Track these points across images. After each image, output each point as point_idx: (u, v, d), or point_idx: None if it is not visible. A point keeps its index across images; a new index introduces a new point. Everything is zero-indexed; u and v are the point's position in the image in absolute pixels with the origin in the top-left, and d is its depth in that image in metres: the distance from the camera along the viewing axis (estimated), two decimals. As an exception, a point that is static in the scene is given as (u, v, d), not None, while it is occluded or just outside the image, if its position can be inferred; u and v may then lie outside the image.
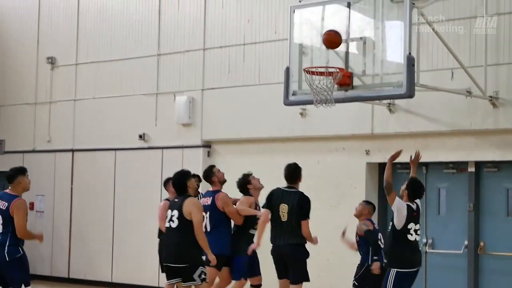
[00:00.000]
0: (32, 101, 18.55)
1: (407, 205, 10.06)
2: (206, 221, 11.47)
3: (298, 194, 10.92)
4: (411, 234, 10.05)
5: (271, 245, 11.00)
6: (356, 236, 11.23)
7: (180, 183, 10.11)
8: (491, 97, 12.24)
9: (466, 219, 13.13)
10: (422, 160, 12.96)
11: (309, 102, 11.86)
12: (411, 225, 10.03)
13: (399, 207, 9.96)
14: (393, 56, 11.66)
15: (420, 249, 10.46)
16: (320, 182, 14.09)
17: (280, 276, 11.01)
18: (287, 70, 12.31)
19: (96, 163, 17.26)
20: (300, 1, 12.61)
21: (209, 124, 15.60)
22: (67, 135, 17.82)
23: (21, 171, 10.53)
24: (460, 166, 13.21)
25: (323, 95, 11.59)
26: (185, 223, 9.80)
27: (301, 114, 14.21)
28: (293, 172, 11.02)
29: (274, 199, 10.94)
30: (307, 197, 10.91)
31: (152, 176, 16.12)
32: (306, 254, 10.90)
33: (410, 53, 11.10)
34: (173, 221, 9.93)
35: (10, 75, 19.10)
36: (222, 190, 11.90)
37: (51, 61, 18.18)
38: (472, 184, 13.08)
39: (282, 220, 10.77)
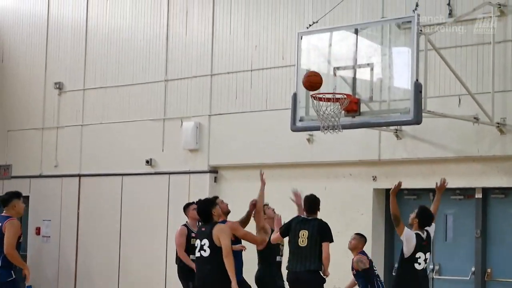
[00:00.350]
0: (39, 126, 18.61)
1: (416, 234, 10.07)
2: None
3: (317, 220, 11.03)
4: (419, 263, 10.05)
5: (287, 271, 11.00)
6: (352, 270, 11.54)
7: (205, 211, 10.12)
8: (498, 123, 12.24)
9: (473, 245, 13.09)
10: (429, 186, 13.09)
11: (316, 128, 11.88)
12: (420, 254, 10.05)
13: (408, 238, 10.00)
14: (400, 83, 11.71)
15: (427, 277, 10.42)
16: (327, 208, 13.96)
17: None
18: (294, 96, 12.35)
19: (103, 188, 17.27)
20: (307, 28, 12.69)
21: (216, 150, 15.61)
22: (74, 160, 17.85)
23: (16, 195, 10.47)
24: (467, 192, 13.19)
25: (330, 121, 11.63)
26: (217, 251, 9.81)
27: (308, 140, 14.23)
28: (312, 203, 11.14)
29: (294, 225, 11.01)
30: (326, 223, 11.03)
31: (159, 201, 16.12)
32: (323, 281, 10.90)
33: (417, 80, 11.14)
34: (204, 250, 9.90)
35: (17, 100, 19.18)
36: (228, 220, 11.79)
37: (59, 86, 18.25)
38: (479, 210, 13.05)
39: (301, 245, 10.82)
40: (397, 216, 10.02)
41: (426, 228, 10.26)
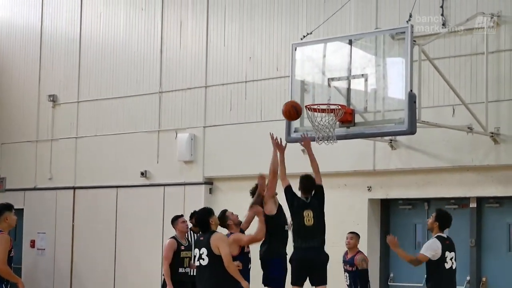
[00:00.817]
0: (33, 139, 18.61)
1: (437, 237, 10.16)
2: None
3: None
4: (447, 263, 10.13)
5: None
6: (351, 267, 11.72)
7: (203, 220, 10.16)
8: (492, 133, 12.31)
9: (468, 254, 13.11)
10: (423, 196, 13.15)
11: (311, 139, 11.90)
12: (447, 254, 10.12)
13: (432, 248, 10.09)
14: (394, 93, 11.75)
15: (455, 275, 10.29)
16: (323, 218, 14.09)
17: (296, 283, 10.87)
18: (289, 107, 12.35)
19: (97, 200, 17.26)
20: (301, 39, 12.72)
21: (210, 161, 15.64)
22: (69, 172, 17.84)
23: (7, 207, 10.30)
24: (461, 202, 13.24)
25: (325, 132, 11.66)
26: (215, 259, 9.84)
27: (303, 151, 14.21)
28: (308, 182, 11.14)
29: (296, 205, 11.01)
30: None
31: (153, 213, 16.13)
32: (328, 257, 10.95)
33: (411, 90, 11.20)
34: (203, 259, 9.93)
35: (11, 113, 19.17)
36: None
37: (53, 99, 18.25)
38: (474, 219, 13.10)
39: (307, 225, 10.82)
40: (413, 259, 10.19)
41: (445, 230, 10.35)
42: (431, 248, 10.15)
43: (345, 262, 12.02)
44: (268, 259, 10.88)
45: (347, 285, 11.93)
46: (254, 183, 14.90)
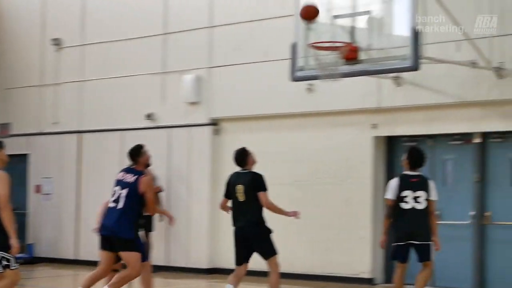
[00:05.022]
0: (37, 83, 18.53)
1: (401, 175, 10.31)
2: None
3: (250, 173, 10.69)
4: (406, 202, 10.18)
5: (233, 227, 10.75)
6: None
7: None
8: (496, 68, 12.35)
9: (472, 189, 13.27)
10: (428, 132, 13.23)
11: (316, 78, 11.95)
12: (407, 193, 10.18)
13: (390, 189, 10.33)
14: (399, 29, 11.77)
15: (421, 215, 10.21)
16: (328, 156, 14.23)
17: (238, 262, 10.64)
18: (294, 45, 12.38)
19: (103, 144, 17.27)
20: (307, -24, 12.67)
21: (216, 102, 15.64)
22: (74, 116, 17.82)
23: None
24: (466, 137, 13.33)
25: (329, 70, 11.69)
26: None
27: (308, 89, 14.29)
28: (239, 156, 10.82)
29: (231, 182, 10.78)
30: (259, 173, 10.66)
31: (159, 155, 16.14)
32: (269, 231, 10.61)
33: (415, 26, 11.21)
34: None
35: (15, 58, 19.04)
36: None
37: (57, 42, 18.17)
38: (478, 155, 13.22)
39: (240, 200, 10.63)
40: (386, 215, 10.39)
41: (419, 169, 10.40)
42: (388, 188, 10.32)
43: None
44: None
45: None
46: (260, 123, 15.09)
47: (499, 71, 12.37)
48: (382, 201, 14.00)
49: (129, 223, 10.12)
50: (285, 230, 12.78)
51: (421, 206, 10.16)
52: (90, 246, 17.53)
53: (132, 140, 16.55)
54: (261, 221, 10.57)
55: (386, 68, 12.00)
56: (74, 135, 17.81)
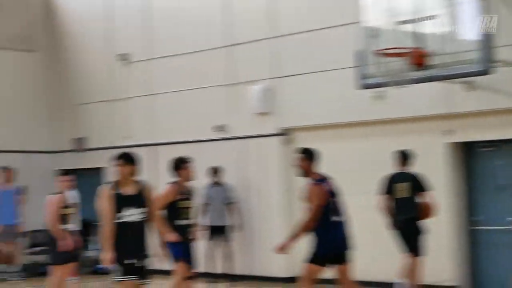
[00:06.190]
0: (108, 98, 18.63)
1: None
2: None
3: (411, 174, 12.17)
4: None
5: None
6: None
7: None
8: None
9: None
10: (505, 137, 12.78)
11: (384, 85, 11.70)
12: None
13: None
14: (467, 33, 11.41)
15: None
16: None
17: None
18: (359, 53, 12.17)
19: (174, 156, 17.21)
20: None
21: (284, 112, 15.53)
22: (147, 130, 17.90)
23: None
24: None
25: (398, 76, 11.42)
26: None
27: (377, 97, 13.92)
28: (403, 157, 12.35)
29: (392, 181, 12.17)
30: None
31: (230, 166, 16.07)
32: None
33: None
34: None
35: (86, 74, 19.20)
36: None
37: (124, 57, 18.23)
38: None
39: (402, 196, 11.78)
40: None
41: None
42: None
43: None
44: None
45: None
46: (330, 131, 14.89)
47: None
48: (459, 208, 13.60)
49: None
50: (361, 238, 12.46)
51: None
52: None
53: (203, 152, 16.57)
54: None
55: (456, 73, 11.66)
56: (147, 148, 17.82)
